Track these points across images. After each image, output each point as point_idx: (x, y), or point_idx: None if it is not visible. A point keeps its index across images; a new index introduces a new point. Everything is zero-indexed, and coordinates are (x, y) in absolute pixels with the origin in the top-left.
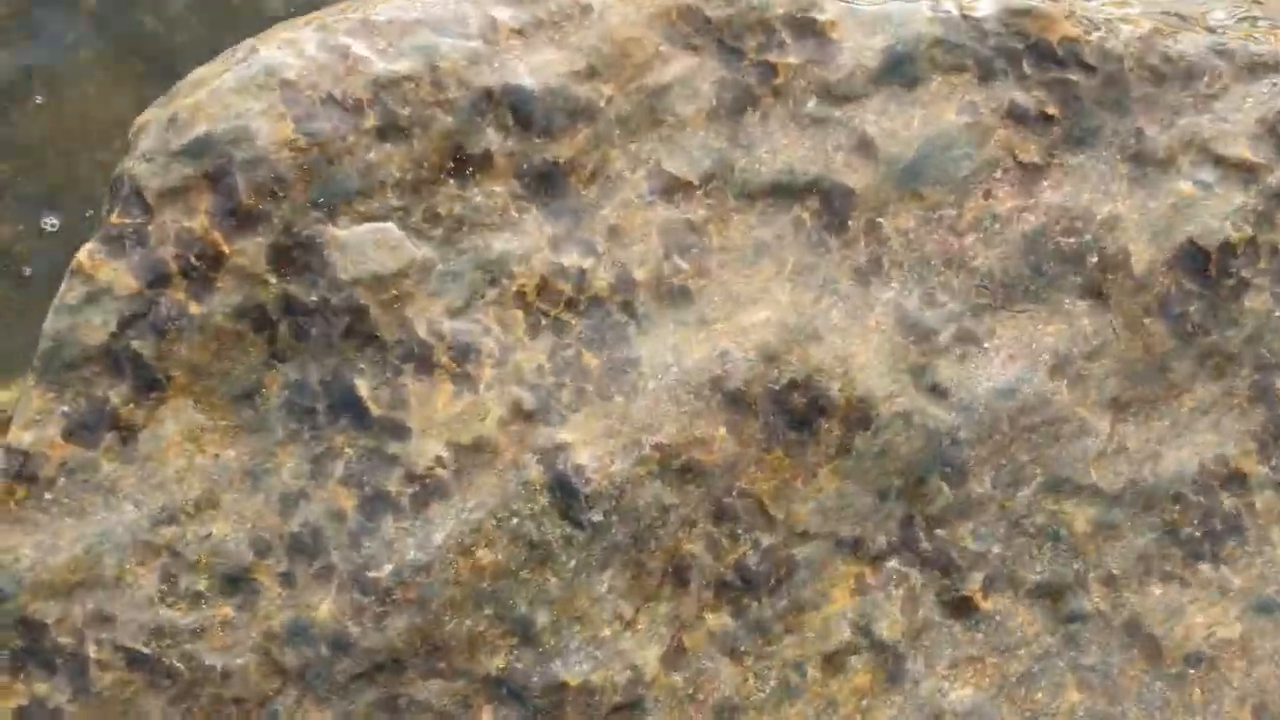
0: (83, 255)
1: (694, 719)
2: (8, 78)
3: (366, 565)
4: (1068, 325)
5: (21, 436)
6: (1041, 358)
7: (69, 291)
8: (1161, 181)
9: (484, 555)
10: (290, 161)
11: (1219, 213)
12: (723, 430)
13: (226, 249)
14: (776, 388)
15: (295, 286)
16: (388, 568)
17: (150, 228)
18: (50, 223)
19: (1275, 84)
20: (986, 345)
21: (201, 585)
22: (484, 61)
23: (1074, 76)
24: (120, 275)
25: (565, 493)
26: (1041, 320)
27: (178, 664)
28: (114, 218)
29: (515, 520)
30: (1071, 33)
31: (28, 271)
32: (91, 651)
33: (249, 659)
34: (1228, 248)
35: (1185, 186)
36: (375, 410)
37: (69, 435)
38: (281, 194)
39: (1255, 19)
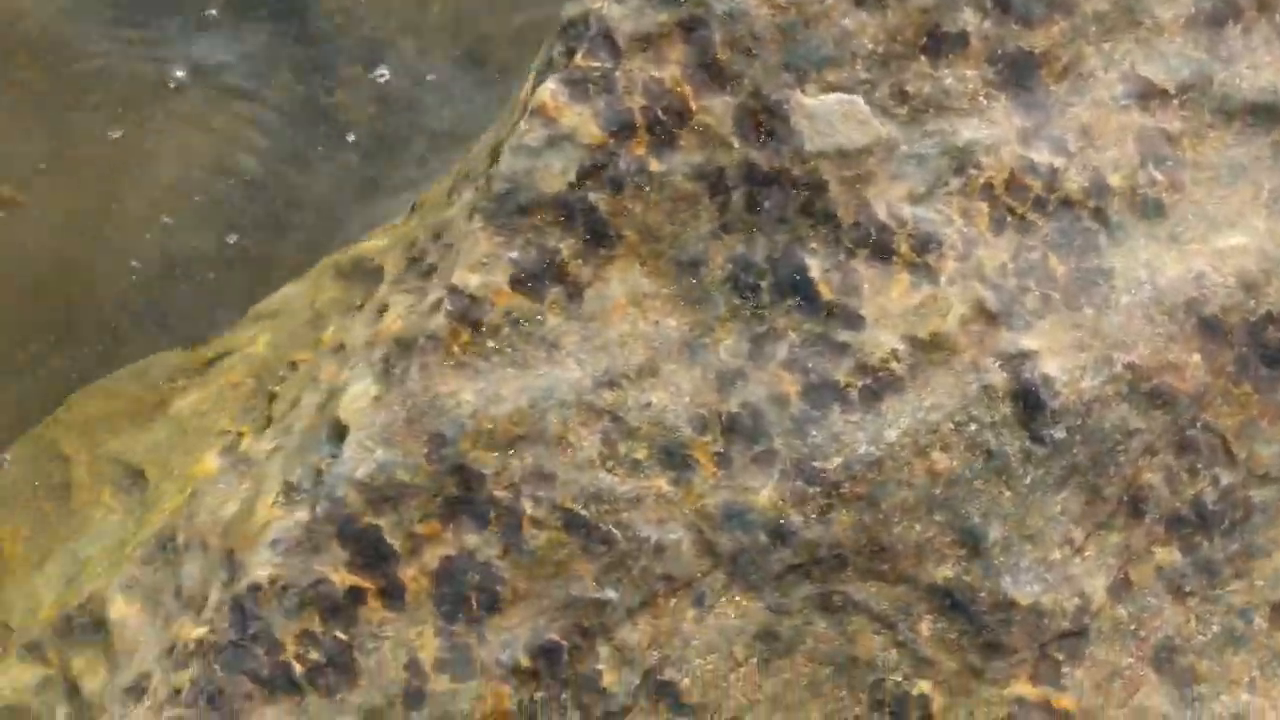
0: (545, 96)
1: (1134, 654)
2: None
3: (812, 455)
4: None
5: (468, 279)
6: None
7: (529, 133)
8: None
9: (939, 459)
10: (768, 19)
11: None
12: (1196, 357)
13: (693, 105)
14: (1253, 319)
15: (757, 153)
16: (836, 460)
17: (618, 74)
18: (380, 75)
19: None
20: None
21: (640, 454)
22: None
23: None
24: (584, 122)
25: (1029, 404)
26: None
27: (614, 531)
28: (579, 60)
29: (974, 426)
30: None
31: (351, 137)
32: (528, 508)
33: (682, 536)
34: None
35: None
36: (826, 294)
37: (515, 283)
38: (755, 53)
39: None
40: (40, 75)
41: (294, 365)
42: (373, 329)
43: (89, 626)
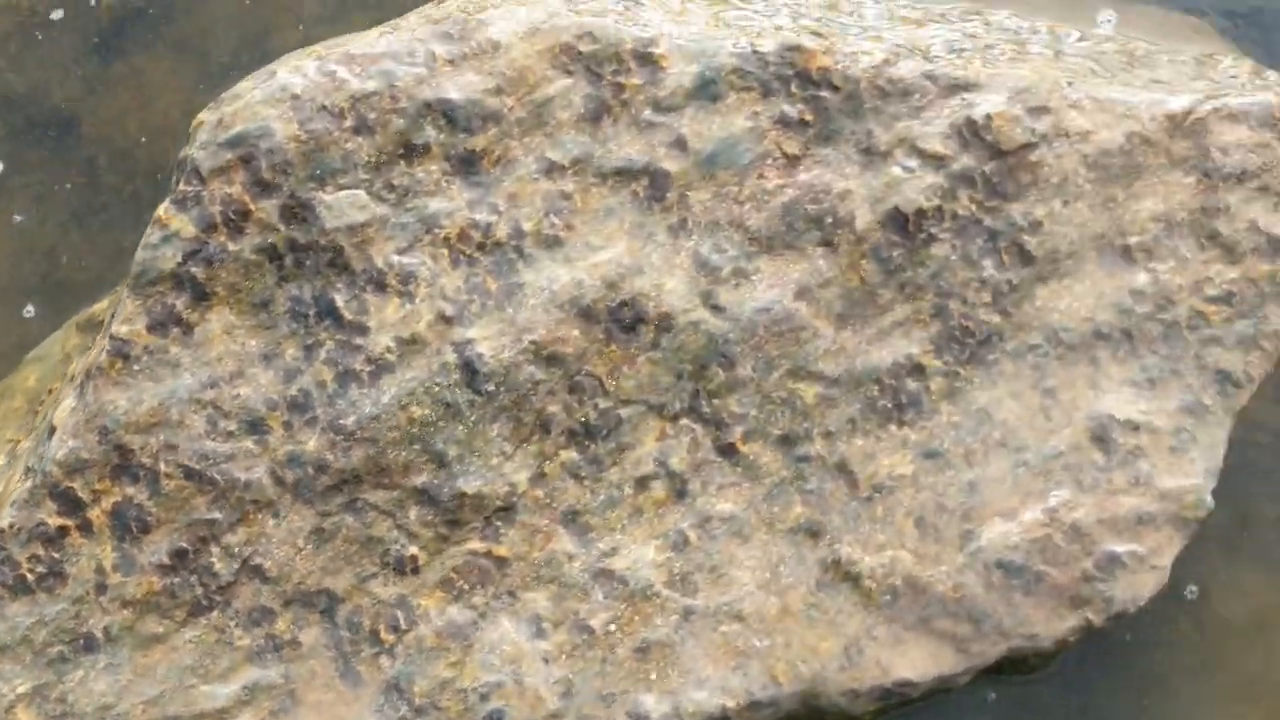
0: (161, 211)
1: (548, 519)
2: None
3: (340, 416)
4: (809, 264)
5: (120, 329)
6: (789, 287)
7: (150, 235)
8: (881, 167)
9: (415, 410)
10: (295, 149)
11: (917, 188)
12: (576, 332)
13: (252, 207)
14: (613, 304)
15: (297, 232)
16: (352, 418)
17: (204, 193)
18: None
19: (964, 99)
20: (754, 278)
21: (232, 427)
22: (425, 82)
23: (825, 94)
24: (185, 224)
25: (469, 371)
26: (791, 261)
27: (217, 477)
28: (180, 186)
29: (437, 388)
30: (825, 63)
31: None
32: (162, 468)
33: (261, 475)
34: (921, 213)
35: (897, 170)
36: (347, 316)
37: (150, 329)
38: (288, 171)
39: (962, 50)
40: None
41: (50, 392)
42: (80, 365)
43: None
